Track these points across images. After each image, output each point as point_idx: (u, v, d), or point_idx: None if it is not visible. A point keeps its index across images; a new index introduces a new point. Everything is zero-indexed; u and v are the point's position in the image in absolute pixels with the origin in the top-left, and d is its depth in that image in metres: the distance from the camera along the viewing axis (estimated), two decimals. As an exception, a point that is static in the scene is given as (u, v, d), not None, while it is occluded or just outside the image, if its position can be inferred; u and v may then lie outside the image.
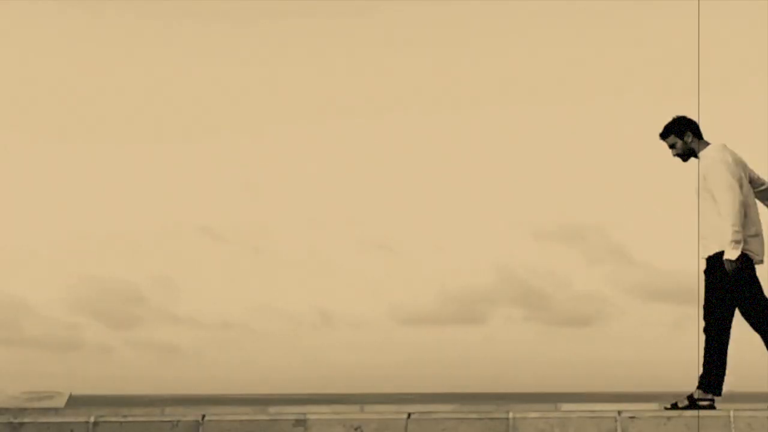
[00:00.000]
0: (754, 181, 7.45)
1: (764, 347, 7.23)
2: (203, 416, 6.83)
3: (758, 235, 7.29)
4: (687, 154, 7.44)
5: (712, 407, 7.11)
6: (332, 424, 6.76)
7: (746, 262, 7.17)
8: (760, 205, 7.52)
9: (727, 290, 7.17)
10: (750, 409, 6.75)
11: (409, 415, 6.79)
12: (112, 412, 6.99)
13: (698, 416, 6.67)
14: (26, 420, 6.87)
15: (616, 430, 6.70)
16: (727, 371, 7.22)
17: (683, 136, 7.40)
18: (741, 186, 7.17)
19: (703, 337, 7.37)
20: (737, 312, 7.26)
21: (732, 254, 7.06)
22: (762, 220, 7.40)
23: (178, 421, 6.82)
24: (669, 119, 7.52)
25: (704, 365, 7.23)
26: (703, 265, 7.39)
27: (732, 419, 6.67)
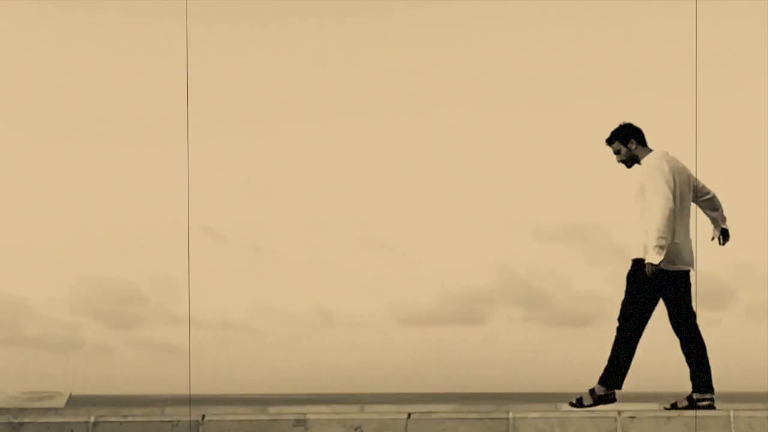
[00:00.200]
0: (698, 190, 7.58)
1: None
2: (203, 416, 6.83)
3: (679, 243, 7.36)
4: (630, 160, 7.57)
5: (711, 407, 7.13)
6: (332, 424, 6.76)
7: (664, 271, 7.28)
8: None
9: (646, 294, 7.29)
10: (750, 409, 6.75)
11: (409, 415, 6.79)
12: (112, 412, 6.99)
13: (695, 416, 6.67)
14: (26, 420, 6.87)
15: (616, 430, 6.70)
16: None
17: (627, 143, 7.55)
18: (674, 195, 7.24)
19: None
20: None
21: (655, 258, 7.16)
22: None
23: (178, 421, 6.82)
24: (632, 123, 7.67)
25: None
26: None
27: (732, 419, 6.67)
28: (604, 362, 7.35)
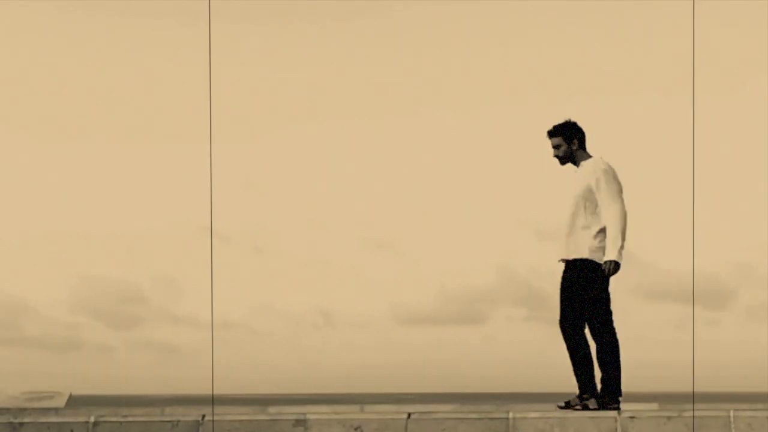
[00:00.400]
0: None
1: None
2: (203, 416, 6.83)
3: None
4: (567, 158, 7.62)
5: (586, 408, 7.13)
6: (332, 424, 6.76)
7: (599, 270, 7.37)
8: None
9: (603, 290, 7.37)
10: (750, 409, 6.76)
11: (409, 415, 6.80)
12: (112, 412, 6.99)
13: (693, 416, 6.67)
14: (26, 420, 6.87)
15: (616, 430, 6.70)
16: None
17: (570, 141, 7.54)
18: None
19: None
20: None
21: (620, 258, 7.28)
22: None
23: (178, 421, 6.82)
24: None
25: (600, 367, 7.35)
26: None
27: (732, 419, 6.67)
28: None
